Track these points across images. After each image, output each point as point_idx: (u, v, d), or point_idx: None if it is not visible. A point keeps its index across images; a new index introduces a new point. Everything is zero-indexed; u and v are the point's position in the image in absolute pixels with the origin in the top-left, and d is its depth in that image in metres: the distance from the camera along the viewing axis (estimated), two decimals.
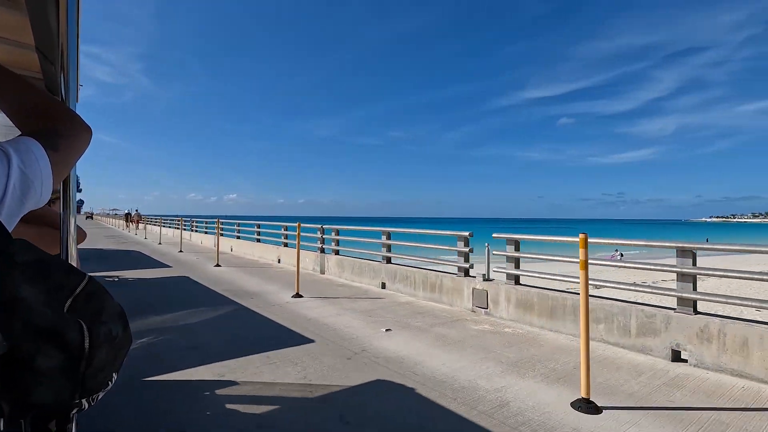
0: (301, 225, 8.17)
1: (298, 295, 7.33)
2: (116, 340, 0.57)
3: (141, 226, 32.09)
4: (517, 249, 5.99)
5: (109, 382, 0.59)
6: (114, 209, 76.00)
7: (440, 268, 7.50)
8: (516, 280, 6.01)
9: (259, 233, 14.37)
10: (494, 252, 6.33)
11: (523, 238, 6.10)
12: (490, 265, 6.34)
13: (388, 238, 8.50)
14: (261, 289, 8.02)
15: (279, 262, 12.30)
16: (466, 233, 6.76)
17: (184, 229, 24.54)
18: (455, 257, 6.97)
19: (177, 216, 27.41)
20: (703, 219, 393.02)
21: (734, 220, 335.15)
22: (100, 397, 0.59)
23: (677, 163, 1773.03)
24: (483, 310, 6.18)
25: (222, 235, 17.95)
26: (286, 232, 12.43)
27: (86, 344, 0.52)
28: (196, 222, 22.16)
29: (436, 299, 7.04)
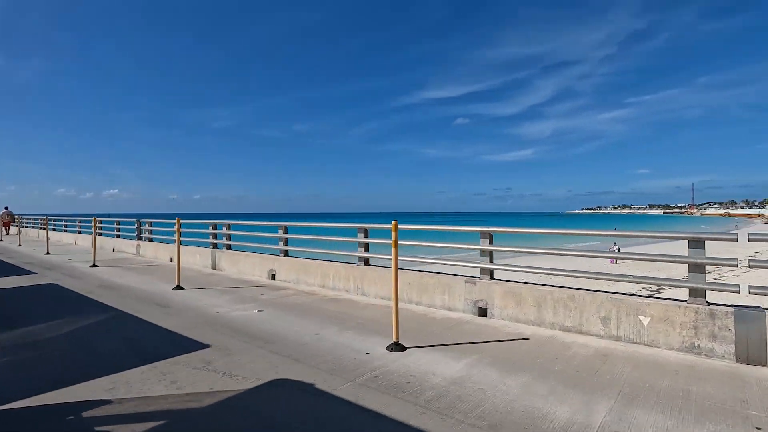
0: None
1: None
2: None
3: (15, 230, 21.65)
4: None
5: None
6: None
7: None
8: None
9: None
10: None
11: None
12: None
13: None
14: None
15: (414, 304, 6.31)
16: None
17: (116, 235, 16.00)
18: None
19: (43, 215, 19.70)
20: (577, 211, 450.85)
21: (601, 211, 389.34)
22: None
23: (553, 162, 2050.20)
24: None
25: (148, 239, 10.87)
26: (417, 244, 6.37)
27: None
28: (152, 223, 13.60)
29: None
